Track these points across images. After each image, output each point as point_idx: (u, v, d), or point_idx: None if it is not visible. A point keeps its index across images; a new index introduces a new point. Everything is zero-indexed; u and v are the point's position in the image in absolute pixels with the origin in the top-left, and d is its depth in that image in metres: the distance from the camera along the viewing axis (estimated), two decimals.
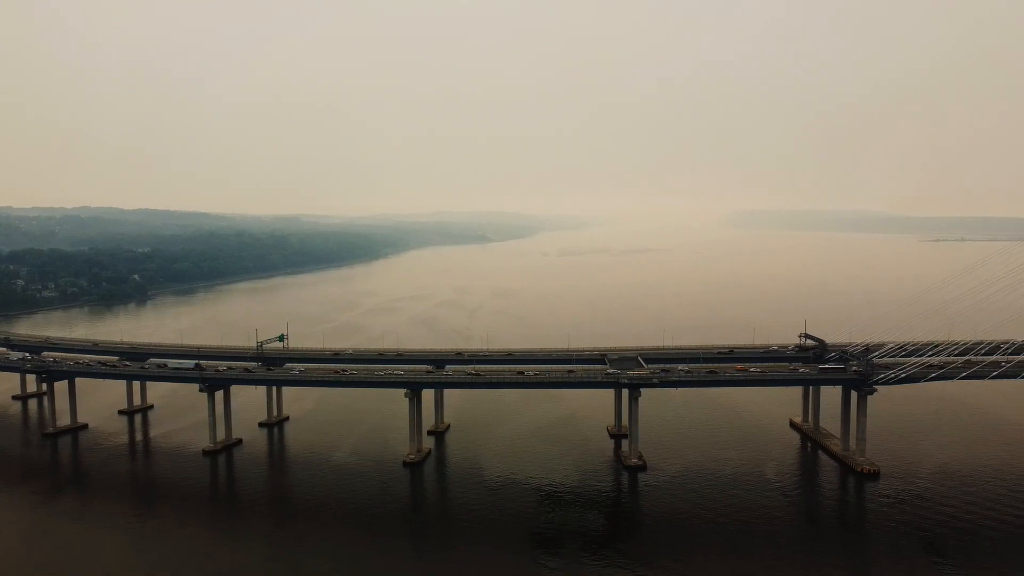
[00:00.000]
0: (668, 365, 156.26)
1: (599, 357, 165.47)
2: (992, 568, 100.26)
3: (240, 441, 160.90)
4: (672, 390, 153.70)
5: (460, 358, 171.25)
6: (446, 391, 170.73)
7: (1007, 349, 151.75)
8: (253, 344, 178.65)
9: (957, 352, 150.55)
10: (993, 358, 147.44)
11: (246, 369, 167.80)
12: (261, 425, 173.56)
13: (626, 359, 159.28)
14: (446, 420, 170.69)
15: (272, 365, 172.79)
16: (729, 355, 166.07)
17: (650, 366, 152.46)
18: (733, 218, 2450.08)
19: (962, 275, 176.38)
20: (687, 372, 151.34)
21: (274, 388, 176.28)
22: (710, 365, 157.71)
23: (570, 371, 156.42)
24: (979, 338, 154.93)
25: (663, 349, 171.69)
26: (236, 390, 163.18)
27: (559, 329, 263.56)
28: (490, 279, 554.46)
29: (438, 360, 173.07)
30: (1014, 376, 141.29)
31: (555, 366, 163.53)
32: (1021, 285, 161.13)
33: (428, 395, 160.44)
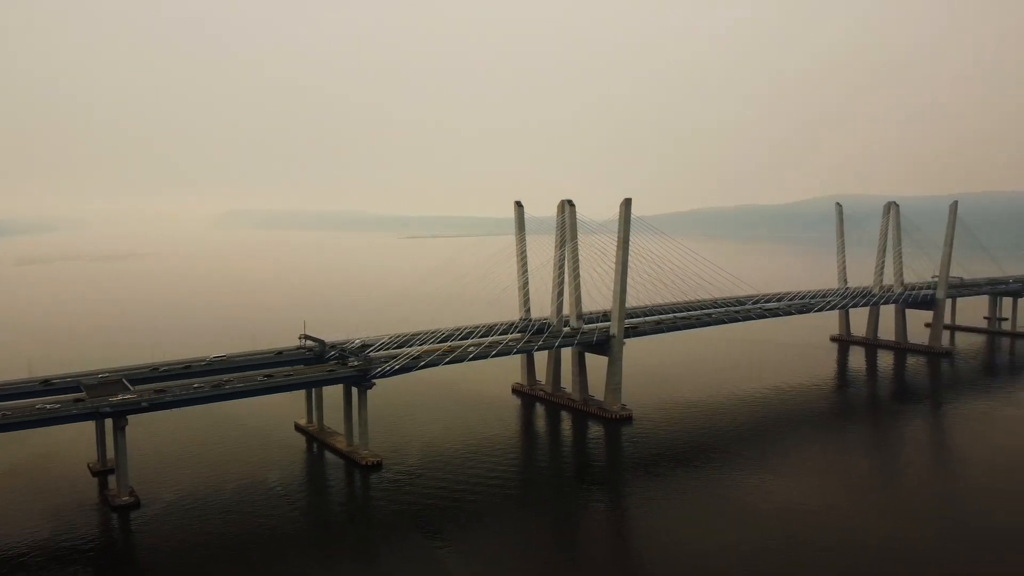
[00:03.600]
0: (163, 384, 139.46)
1: (73, 384, 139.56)
2: (474, 532, 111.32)
3: None
4: (170, 411, 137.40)
5: None
6: None
7: (479, 332, 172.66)
8: None
9: (440, 339, 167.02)
10: (470, 341, 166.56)
11: None
12: None
13: (108, 383, 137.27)
14: None
15: None
16: (228, 365, 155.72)
17: (139, 388, 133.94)
18: (224, 218, 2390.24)
19: (441, 269, 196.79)
20: (184, 389, 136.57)
21: None
22: (208, 379, 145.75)
23: (38, 407, 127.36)
24: (459, 324, 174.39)
25: (156, 366, 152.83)
26: None
27: (19, 356, 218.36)
28: None
29: None
30: (485, 356, 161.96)
31: (16, 402, 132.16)
32: (484, 275, 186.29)
33: None
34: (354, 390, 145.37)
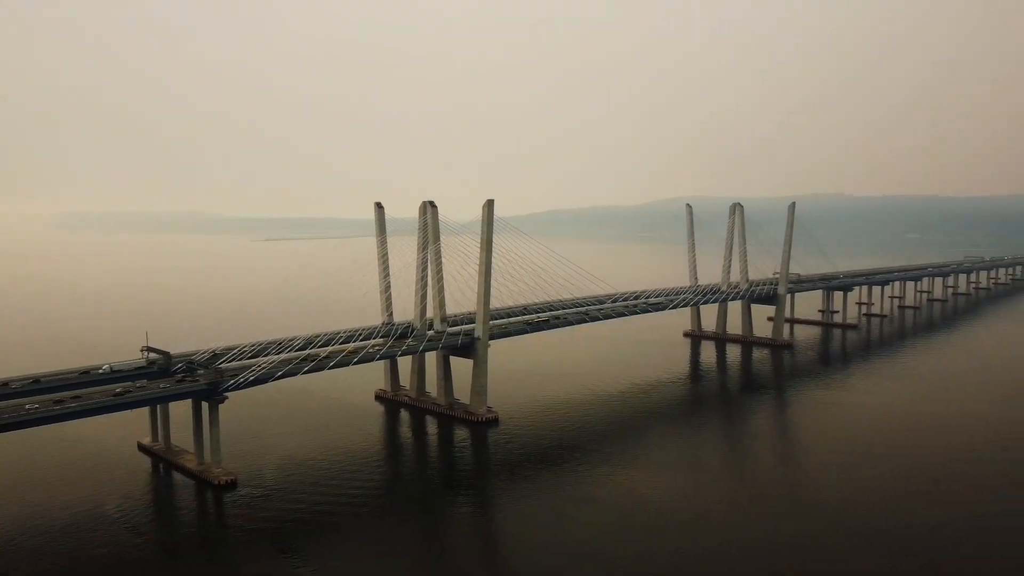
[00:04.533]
0: None
1: None
2: (335, 548, 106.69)
3: None
4: None
5: None
6: None
7: (340, 338, 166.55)
8: None
9: (299, 347, 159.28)
10: (330, 348, 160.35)
11: None
12: None
13: None
14: None
15: None
16: (57, 383, 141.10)
17: None
18: (66, 220, 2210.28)
19: (299, 273, 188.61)
20: (8, 412, 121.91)
21: None
22: (39, 398, 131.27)
23: None
24: (318, 331, 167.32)
25: None
26: None
27: None
28: None
29: None
30: (347, 364, 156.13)
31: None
32: (345, 279, 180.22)
33: None
34: (204, 404, 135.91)
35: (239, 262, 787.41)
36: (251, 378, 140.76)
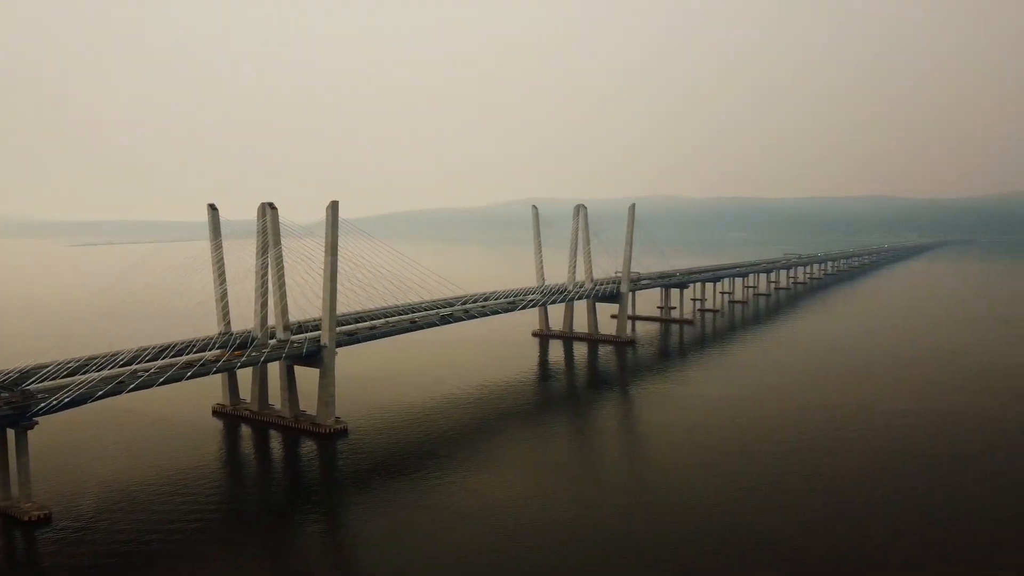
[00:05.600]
0: None
1: None
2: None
3: None
4: None
5: None
6: None
7: (171, 351, 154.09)
8: None
9: (123, 363, 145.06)
10: (160, 363, 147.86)
11: None
12: None
13: None
14: None
15: None
16: None
17: None
18: None
19: (122, 280, 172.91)
20: None
21: None
22: None
23: None
24: (148, 343, 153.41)
25: None
26: None
27: None
28: None
29: None
30: (179, 379, 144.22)
31: None
32: (176, 286, 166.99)
33: None
34: (9, 432, 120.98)
35: (51, 269, 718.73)
36: (67, 399, 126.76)
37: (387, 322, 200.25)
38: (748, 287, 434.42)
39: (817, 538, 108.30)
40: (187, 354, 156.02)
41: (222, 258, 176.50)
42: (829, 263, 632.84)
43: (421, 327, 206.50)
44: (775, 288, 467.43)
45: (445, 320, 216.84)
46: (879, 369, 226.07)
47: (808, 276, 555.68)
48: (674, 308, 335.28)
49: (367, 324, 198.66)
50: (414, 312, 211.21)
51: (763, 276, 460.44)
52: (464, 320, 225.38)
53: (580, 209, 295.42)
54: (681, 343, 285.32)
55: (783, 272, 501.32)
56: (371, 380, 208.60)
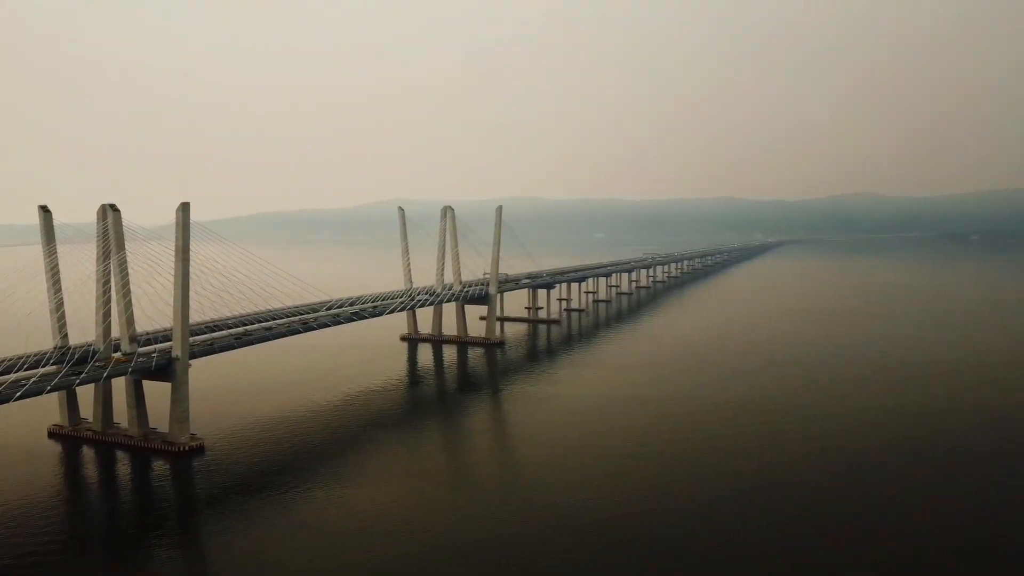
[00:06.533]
0: None
1: None
2: None
3: None
4: None
5: None
6: None
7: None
8: None
9: None
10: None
11: None
12: None
13: None
14: None
15: None
16: None
17: None
18: None
19: None
20: None
21: None
22: None
23: None
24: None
25: None
26: None
27: None
28: None
29: None
30: (7, 400, 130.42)
31: None
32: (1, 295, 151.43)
33: None
34: None
35: None
36: None
37: (246, 331, 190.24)
38: (611, 286, 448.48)
39: (679, 531, 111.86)
40: (16, 372, 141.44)
41: (56, 264, 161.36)
42: (685, 262, 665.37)
43: (283, 335, 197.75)
44: (636, 287, 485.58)
45: (308, 327, 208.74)
46: (720, 358, 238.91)
47: (666, 275, 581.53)
48: (541, 308, 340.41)
49: (226, 333, 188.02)
50: (276, 319, 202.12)
51: (625, 276, 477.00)
52: (329, 326, 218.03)
53: (447, 211, 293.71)
54: (549, 343, 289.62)
55: (643, 271, 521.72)
56: (230, 393, 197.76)
